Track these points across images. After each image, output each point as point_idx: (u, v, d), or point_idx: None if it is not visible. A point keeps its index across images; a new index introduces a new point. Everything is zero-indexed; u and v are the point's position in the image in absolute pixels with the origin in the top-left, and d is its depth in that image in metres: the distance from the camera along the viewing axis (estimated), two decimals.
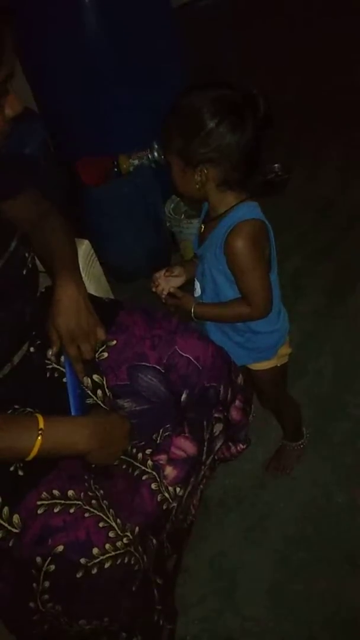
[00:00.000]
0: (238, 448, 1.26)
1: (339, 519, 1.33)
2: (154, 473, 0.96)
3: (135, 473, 0.96)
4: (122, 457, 0.97)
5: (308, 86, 2.80)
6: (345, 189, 2.33)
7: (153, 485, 0.95)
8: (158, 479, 0.95)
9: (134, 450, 0.98)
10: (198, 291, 1.15)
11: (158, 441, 1.00)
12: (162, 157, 1.84)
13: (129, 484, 0.94)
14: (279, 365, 1.21)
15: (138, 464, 0.96)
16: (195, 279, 1.16)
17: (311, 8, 3.30)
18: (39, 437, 0.80)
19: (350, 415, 1.53)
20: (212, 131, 0.93)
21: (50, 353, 0.98)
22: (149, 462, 0.97)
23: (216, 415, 1.08)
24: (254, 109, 0.94)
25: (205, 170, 0.97)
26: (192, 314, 1.10)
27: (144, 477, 0.95)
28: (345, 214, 2.20)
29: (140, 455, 0.98)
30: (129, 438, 0.96)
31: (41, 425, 0.81)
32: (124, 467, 0.96)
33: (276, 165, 2.30)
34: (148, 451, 0.98)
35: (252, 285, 1.02)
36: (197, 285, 1.15)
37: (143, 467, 0.96)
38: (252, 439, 1.34)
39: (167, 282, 1.17)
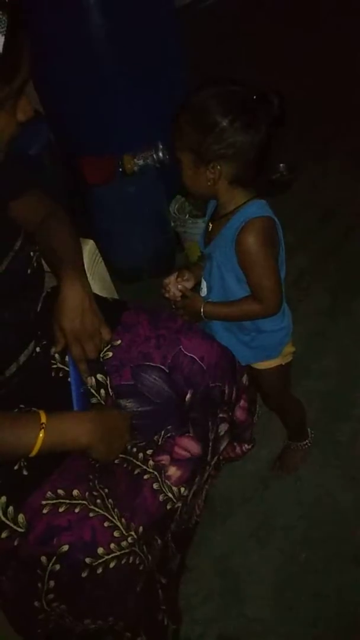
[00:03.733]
0: (243, 448, 1.26)
1: (344, 520, 1.33)
2: (155, 473, 0.96)
3: (136, 472, 0.96)
4: (122, 455, 0.97)
5: (313, 85, 2.79)
6: (351, 189, 2.32)
7: (155, 485, 0.95)
8: (160, 479, 0.95)
9: (135, 450, 0.98)
10: (204, 291, 1.15)
11: (159, 442, 1.00)
12: (167, 157, 1.84)
13: (131, 483, 0.94)
14: (283, 363, 1.21)
15: (139, 463, 0.96)
16: (202, 279, 1.16)
17: (316, 7, 3.29)
18: (41, 432, 0.81)
19: (355, 415, 1.53)
20: (226, 128, 0.92)
21: (52, 351, 0.98)
22: (150, 462, 0.97)
23: (221, 415, 1.08)
24: (268, 107, 0.94)
25: (218, 167, 0.97)
26: (202, 313, 1.10)
27: (145, 477, 0.95)
28: (350, 214, 2.20)
29: (141, 455, 0.98)
30: (130, 434, 0.96)
31: (43, 420, 0.82)
32: (124, 465, 0.96)
33: (281, 164, 2.30)
34: (149, 451, 0.98)
35: (263, 282, 1.02)
36: (204, 285, 1.15)
37: (144, 467, 0.96)
38: (256, 439, 1.34)
39: (177, 287, 1.17)
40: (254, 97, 0.94)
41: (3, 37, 0.69)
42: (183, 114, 0.96)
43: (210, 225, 1.11)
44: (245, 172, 0.98)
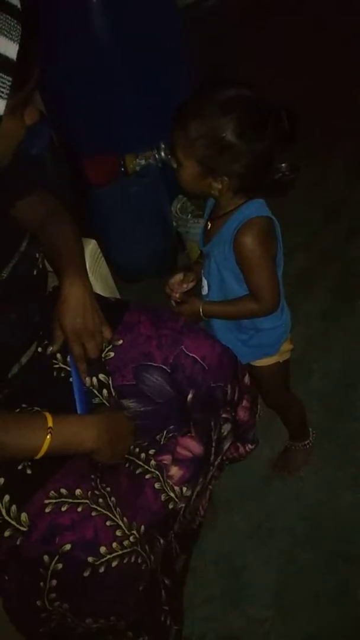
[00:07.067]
0: (247, 448, 1.25)
1: (345, 520, 1.33)
2: (157, 472, 0.96)
3: (138, 471, 0.96)
4: (125, 455, 0.97)
5: (316, 85, 2.79)
6: (353, 189, 2.32)
7: (156, 485, 0.95)
8: (161, 479, 0.95)
9: (137, 450, 0.98)
10: (206, 289, 1.15)
11: (162, 442, 1.00)
12: (169, 156, 1.84)
13: (133, 483, 0.94)
14: (281, 361, 1.22)
15: (141, 463, 0.97)
16: (202, 277, 1.17)
17: (317, 6, 3.28)
18: (48, 436, 0.81)
19: (356, 415, 1.53)
20: (243, 150, 0.93)
21: (50, 350, 0.98)
22: (152, 461, 0.97)
23: (224, 415, 1.08)
24: (280, 125, 0.95)
25: (226, 179, 0.98)
26: (201, 313, 1.11)
27: (147, 476, 0.95)
28: (352, 215, 2.19)
29: (143, 454, 0.98)
30: (134, 436, 0.96)
31: (50, 423, 0.82)
32: (126, 465, 0.96)
33: (283, 164, 2.29)
34: (151, 451, 0.98)
35: (261, 282, 1.03)
36: (204, 283, 1.16)
37: (146, 466, 0.96)
38: (258, 438, 1.34)
39: (181, 288, 1.17)
40: (267, 111, 0.94)
41: (17, 45, 0.69)
42: (193, 122, 0.93)
43: (209, 224, 1.12)
44: (251, 182, 0.99)
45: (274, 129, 0.94)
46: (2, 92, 0.70)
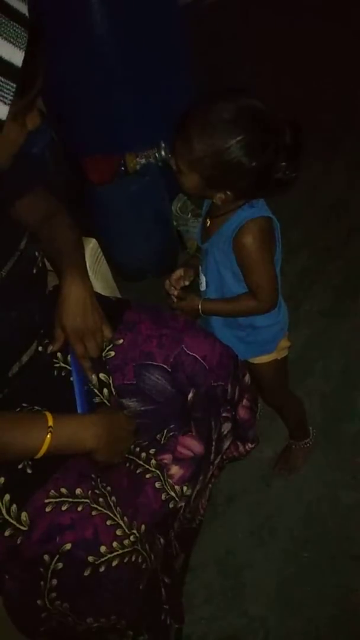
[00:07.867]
0: (247, 447, 1.25)
1: (346, 519, 1.33)
2: (158, 472, 0.96)
3: (138, 471, 0.96)
4: (125, 455, 0.97)
5: (316, 85, 2.79)
6: (354, 188, 2.32)
7: (157, 484, 0.95)
8: (162, 478, 0.96)
9: (137, 449, 0.98)
10: (204, 285, 1.16)
11: (162, 441, 1.00)
12: (169, 156, 1.84)
13: (133, 482, 0.94)
14: (279, 358, 1.22)
15: (141, 462, 0.97)
16: (201, 273, 1.17)
17: (318, 7, 3.28)
18: (49, 435, 0.81)
19: (357, 414, 1.53)
20: (247, 168, 0.93)
21: (50, 349, 0.98)
22: (153, 461, 0.97)
23: (224, 414, 1.08)
24: (283, 139, 0.95)
25: (229, 193, 0.98)
26: (200, 310, 1.11)
27: (147, 476, 0.95)
28: (353, 213, 2.19)
29: (143, 454, 0.98)
30: (134, 436, 0.96)
31: (50, 423, 0.82)
32: (127, 464, 0.96)
33: (284, 163, 2.28)
34: (152, 451, 0.98)
35: (260, 281, 1.04)
36: (203, 279, 1.16)
37: (146, 466, 0.96)
38: (259, 438, 1.34)
39: (180, 285, 1.17)
40: (273, 130, 0.94)
41: (23, 52, 0.69)
42: (199, 142, 0.92)
43: (208, 221, 1.12)
44: (253, 192, 1.00)
45: (278, 145, 0.95)
46: (6, 98, 0.70)
